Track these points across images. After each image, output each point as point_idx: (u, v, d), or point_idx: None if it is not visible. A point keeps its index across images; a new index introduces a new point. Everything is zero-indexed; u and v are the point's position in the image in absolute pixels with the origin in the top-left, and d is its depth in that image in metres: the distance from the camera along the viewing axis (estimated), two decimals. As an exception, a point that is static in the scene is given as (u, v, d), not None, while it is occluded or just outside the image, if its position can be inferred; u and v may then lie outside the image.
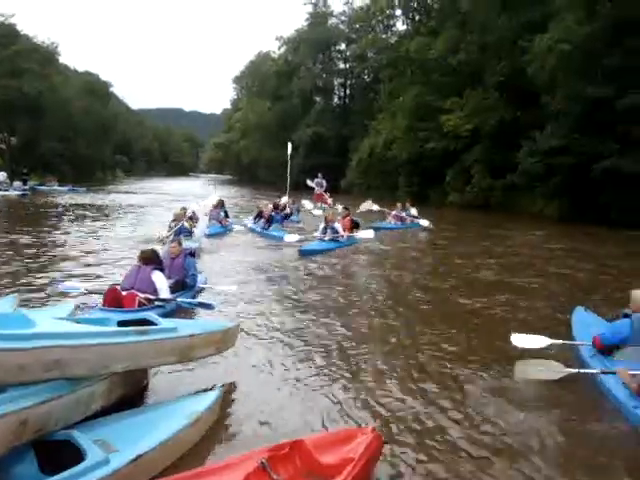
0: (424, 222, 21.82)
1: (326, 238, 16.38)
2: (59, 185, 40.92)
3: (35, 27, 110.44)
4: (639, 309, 5.97)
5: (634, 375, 5.26)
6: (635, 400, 5.07)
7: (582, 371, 5.89)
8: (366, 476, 3.76)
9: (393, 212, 22.83)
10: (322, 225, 17.02)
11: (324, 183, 31.87)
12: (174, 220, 15.96)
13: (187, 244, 11.68)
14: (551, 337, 6.65)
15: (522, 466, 4.36)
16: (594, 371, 5.82)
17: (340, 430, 4.38)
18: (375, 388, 5.79)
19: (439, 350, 7.12)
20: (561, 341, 6.70)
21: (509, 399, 5.60)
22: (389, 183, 41.89)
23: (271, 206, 19.97)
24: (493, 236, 20.74)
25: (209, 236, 16.81)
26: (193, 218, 16.29)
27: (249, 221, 19.81)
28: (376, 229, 19.02)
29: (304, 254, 14.70)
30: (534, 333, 6.73)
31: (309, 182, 31.89)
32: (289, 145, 24.55)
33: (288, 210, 21.92)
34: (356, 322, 8.37)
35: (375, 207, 23.90)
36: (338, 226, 16.97)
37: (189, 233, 15.13)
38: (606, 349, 5.98)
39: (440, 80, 37.01)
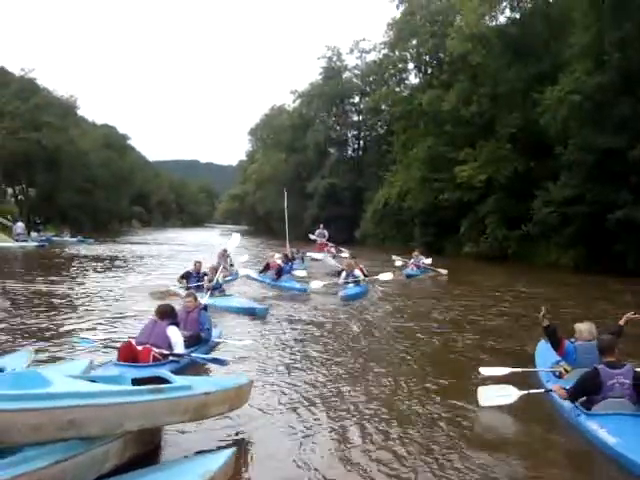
0: (443, 271, 23.31)
1: (350, 285, 17.62)
2: (71, 236, 40.97)
3: (55, 81, 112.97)
4: (581, 339, 7.35)
5: (567, 389, 6.49)
6: (576, 410, 6.31)
7: (532, 391, 6.88)
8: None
9: (411, 260, 24.32)
10: (344, 273, 18.28)
11: (326, 233, 33.48)
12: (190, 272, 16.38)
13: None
14: (515, 366, 7.90)
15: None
16: (540, 391, 6.94)
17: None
18: (391, 447, 5.71)
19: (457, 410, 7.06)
20: (521, 369, 7.90)
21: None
22: (404, 234, 41.99)
23: (279, 256, 20.37)
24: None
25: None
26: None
27: (253, 272, 19.48)
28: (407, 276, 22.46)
29: (347, 299, 16.15)
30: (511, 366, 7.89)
31: (311, 235, 33.77)
32: (285, 194, 24.85)
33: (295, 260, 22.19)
34: (371, 378, 8.29)
35: (398, 262, 25.21)
36: (358, 272, 18.26)
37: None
38: (563, 354, 7.46)
39: (453, 131, 37.32)
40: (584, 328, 7.40)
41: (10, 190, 51.84)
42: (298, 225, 45.47)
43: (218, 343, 9.84)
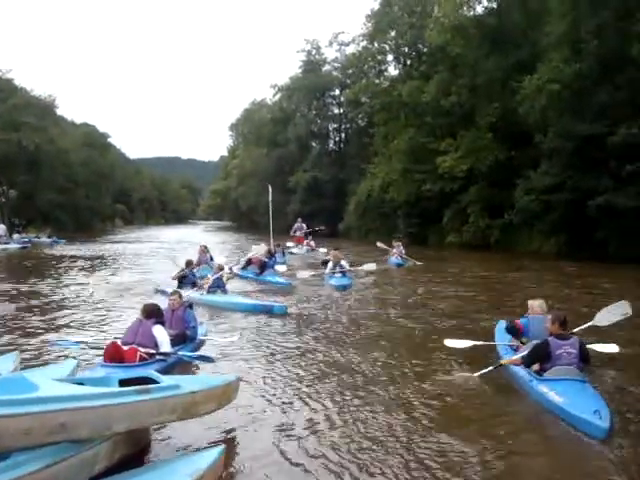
0: (418, 262, 24.19)
1: (337, 274, 18.38)
2: (47, 237, 40.43)
3: (32, 80, 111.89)
4: (534, 313, 8.39)
5: (522, 358, 7.60)
6: (529, 376, 7.25)
7: (484, 371, 7.85)
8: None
9: (394, 250, 25.14)
10: (331, 263, 18.98)
11: (304, 227, 35.12)
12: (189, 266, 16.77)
13: None
14: (477, 340, 9.07)
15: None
16: (490, 368, 7.88)
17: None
18: (384, 449, 5.68)
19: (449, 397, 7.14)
20: (481, 342, 9.00)
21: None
22: (388, 225, 42.10)
23: (260, 250, 20.40)
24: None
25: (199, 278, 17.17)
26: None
27: (235, 267, 19.92)
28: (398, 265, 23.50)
29: (338, 288, 16.92)
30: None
31: (293, 231, 35.22)
32: (269, 189, 24.96)
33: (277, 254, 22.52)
34: (360, 371, 8.31)
35: (381, 245, 27.12)
36: (345, 263, 19.27)
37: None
38: (518, 333, 8.42)
39: (433, 122, 37.42)
40: (536, 304, 8.50)
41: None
42: (281, 219, 45.39)
43: (204, 341, 9.83)
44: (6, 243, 34.59)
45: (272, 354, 9.39)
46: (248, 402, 6.79)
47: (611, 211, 24.13)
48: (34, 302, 14.38)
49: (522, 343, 8.31)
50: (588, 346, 7.70)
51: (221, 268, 15.65)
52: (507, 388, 7.48)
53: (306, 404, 6.89)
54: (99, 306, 13.87)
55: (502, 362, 7.93)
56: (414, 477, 5.02)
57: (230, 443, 5.63)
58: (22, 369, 7.05)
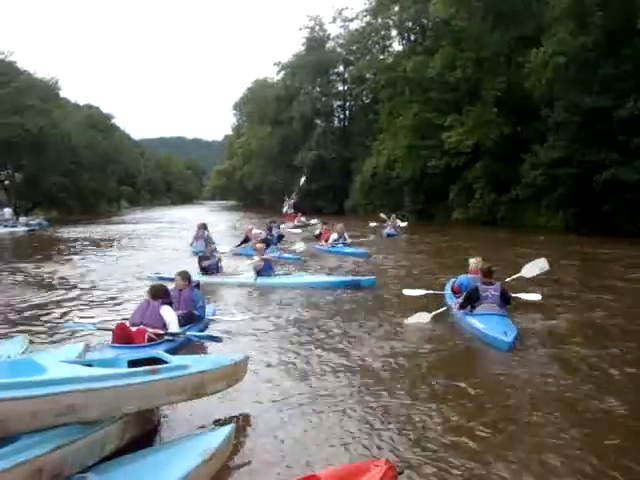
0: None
1: (339, 245, 20.69)
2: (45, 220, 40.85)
3: (35, 63, 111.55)
4: (473, 271, 10.35)
5: (454, 304, 10.02)
6: (464, 313, 9.42)
7: (438, 311, 9.88)
8: (381, 509, 3.75)
9: (389, 222, 27.78)
10: (335, 234, 21.18)
11: (292, 203, 38.32)
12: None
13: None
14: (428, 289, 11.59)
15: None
16: (443, 309, 10.09)
17: (354, 463, 4.38)
18: (389, 421, 5.75)
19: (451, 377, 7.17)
20: (432, 291, 11.50)
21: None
22: (394, 202, 41.94)
23: (257, 232, 21.14)
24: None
25: (195, 253, 18.03)
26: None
27: (231, 246, 20.27)
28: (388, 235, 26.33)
29: (364, 256, 19.20)
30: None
31: (285, 208, 38.06)
32: (303, 177, 25.33)
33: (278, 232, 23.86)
34: (371, 351, 8.30)
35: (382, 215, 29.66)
36: (346, 235, 21.27)
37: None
38: (458, 292, 10.33)
39: (439, 98, 37.13)
40: (473, 261, 10.55)
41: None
42: (289, 198, 45.33)
43: (212, 320, 9.84)
44: (13, 226, 34.63)
45: (280, 332, 9.42)
46: (257, 381, 6.80)
47: (618, 185, 24.05)
48: (42, 284, 14.39)
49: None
50: (518, 295, 10.40)
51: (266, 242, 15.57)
52: (448, 323, 9.73)
53: (315, 381, 6.90)
54: (107, 287, 13.86)
55: (446, 306, 10.19)
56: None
57: (240, 422, 5.63)
58: (30, 352, 7.06)
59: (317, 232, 24.14)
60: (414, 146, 38.15)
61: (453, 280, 11.32)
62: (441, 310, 9.94)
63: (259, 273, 13.97)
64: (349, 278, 14.04)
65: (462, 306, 9.54)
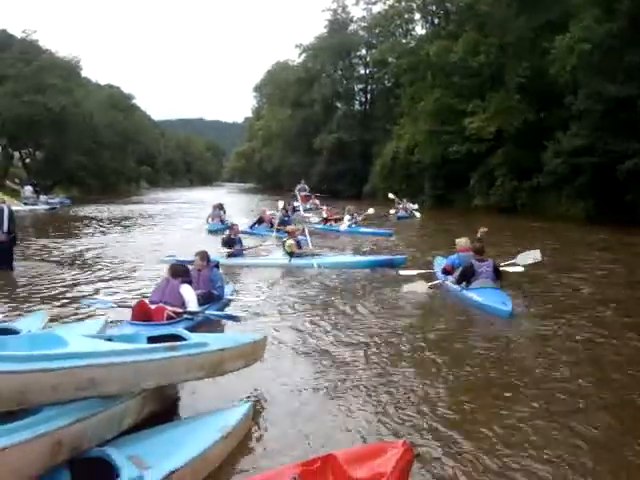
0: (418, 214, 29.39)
1: (353, 225, 21.83)
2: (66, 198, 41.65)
3: (57, 42, 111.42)
4: (461, 250, 11.25)
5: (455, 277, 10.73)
6: (459, 288, 10.34)
7: (433, 283, 11.18)
8: (398, 490, 3.74)
9: (400, 205, 29.55)
10: (348, 216, 22.32)
11: (306, 187, 39.42)
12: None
13: None
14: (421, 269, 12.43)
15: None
16: (438, 281, 11.28)
17: (371, 444, 4.38)
18: (407, 402, 5.76)
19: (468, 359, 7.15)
20: (425, 270, 12.30)
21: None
22: (414, 187, 41.71)
23: (271, 213, 22.31)
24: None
25: (212, 232, 20.49)
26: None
27: (246, 226, 20.63)
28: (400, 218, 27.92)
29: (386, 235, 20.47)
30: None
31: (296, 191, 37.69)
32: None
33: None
34: (389, 332, 8.33)
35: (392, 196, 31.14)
36: (356, 215, 22.62)
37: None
38: (450, 271, 11.09)
39: (461, 83, 36.78)
40: (462, 241, 11.48)
41: (17, 154, 51.58)
42: (306, 181, 45.28)
43: (231, 300, 9.88)
44: (33, 204, 34.86)
45: (302, 313, 9.45)
46: (276, 360, 6.83)
47: (640, 175, 23.73)
48: (62, 262, 14.49)
49: (453, 269, 11.11)
50: (503, 268, 11.04)
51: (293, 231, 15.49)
52: (445, 298, 10.67)
53: (334, 363, 6.89)
54: (126, 266, 13.94)
55: (442, 280, 11.10)
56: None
57: (258, 400, 5.66)
58: (50, 327, 7.11)
59: (324, 215, 24.86)
60: (435, 131, 37.82)
61: (440, 259, 12.78)
62: (436, 282, 11.19)
63: (292, 255, 14.05)
64: (381, 257, 14.49)
65: (459, 281, 10.39)
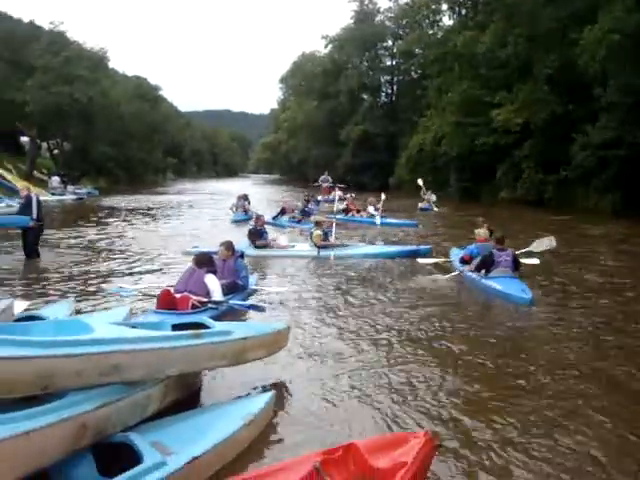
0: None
1: (378, 215, 22.04)
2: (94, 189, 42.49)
3: (84, 34, 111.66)
4: (480, 240, 11.54)
5: (468, 268, 11.04)
6: (478, 277, 10.55)
7: (452, 274, 11.39)
8: (420, 480, 3.74)
9: (425, 196, 30.10)
10: (372, 207, 23.23)
11: (329, 179, 39.13)
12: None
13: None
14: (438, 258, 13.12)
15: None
16: (456, 272, 11.45)
17: (393, 434, 4.39)
18: (430, 393, 5.75)
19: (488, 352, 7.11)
20: (442, 259, 12.91)
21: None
22: (440, 180, 41.37)
23: (294, 204, 23.22)
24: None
25: (235, 222, 21.22)
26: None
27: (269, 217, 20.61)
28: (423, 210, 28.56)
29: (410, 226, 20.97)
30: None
31: (319, 182, 39.50)
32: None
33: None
34: (410, 322, 8.35)
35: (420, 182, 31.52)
36: (379, 206, 22.75)
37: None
38: (468, 261, 11.25)
39: (489, 74, 36.40)
40: (481, 232, 11.83)
41: (45, 145, 51.99)
42: (331, 172, 45.24)
43: (255, 290, 9.92)
44: (60, 194, 35.22)
45: (323, 302, 9.48)
46: (298, 349, 6.86)
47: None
48: (88, 251, 14.65)
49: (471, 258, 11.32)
50: (521, 260, 11.15)
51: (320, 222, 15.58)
52: (464, 287, 10.90)
53: (357, 353, 6.91)
54: (152, 256, 14.05)
55: (461, 270, 11.28)
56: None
57: (281, 389, 5.68)
58: (77, 315, 7.18)
59: (344, 205, 24.63)
60: (462, 123, 37.48)
61: (456, 249, 13.06)
62: (454, 274, 11.36)
63: (320, 246, 14.14)
64: (407, 248, 14.72)
65: (478, 269, 10.64)
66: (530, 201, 31.94)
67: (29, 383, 3.54)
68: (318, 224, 15.07)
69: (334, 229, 15.35)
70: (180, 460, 3.70)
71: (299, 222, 20.21)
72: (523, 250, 11.91)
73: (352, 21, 61.83)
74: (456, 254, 12.53)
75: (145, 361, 4.23)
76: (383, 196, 23.22)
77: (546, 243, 12.36)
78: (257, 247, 14.40)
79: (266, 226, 16.14)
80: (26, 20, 57.15)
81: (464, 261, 11.46)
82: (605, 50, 25.44)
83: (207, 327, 5.36)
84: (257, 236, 14.73)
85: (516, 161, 33.93)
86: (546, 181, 31.99)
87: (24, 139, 46.87)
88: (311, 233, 14.83)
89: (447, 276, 11.26)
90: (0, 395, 3.48)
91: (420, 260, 12.79)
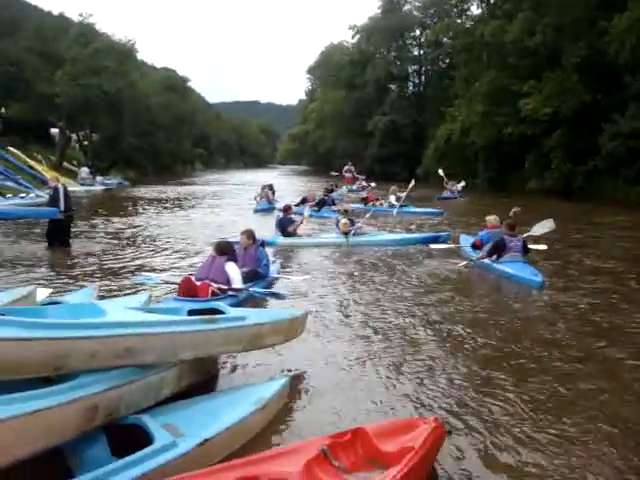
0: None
1: (398, 205, 22.11)
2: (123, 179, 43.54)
3: (112, 25, 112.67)
4: (490, 226, 12.07)
5: (481, 255, 11.37)
6: (490, 262, 11.01)
7: (463, 263, 11.51)
8: (427, 465, 3.74)
9: (448, 185, 30.66)
10: (393, 196, 23.16)
11: (352, 169, 41.23)
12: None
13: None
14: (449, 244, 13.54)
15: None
16: (465, 262, 11.51)
17: (403, 419, 4.39)
18: (441, 380, 5.76)
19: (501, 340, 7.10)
20: (453, 245, 13.37)
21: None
22: (468, 170, 41.06)
23: (317, 194, 23.70)
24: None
25: (258, 211, 21.53)
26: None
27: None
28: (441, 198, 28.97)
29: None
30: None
31: (343, 172, 41.18)
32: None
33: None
34: (425, 308, 8.39)
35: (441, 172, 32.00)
36: (400, 195, 22.98)
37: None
38: (479, 246, 11.79)
39: (517, 64, 36.01)
40: (492, 218, 12.30)
41: (74, 136, 52.54)
42: (359, 163, 45.15)
43: (276, 279, 9.96)
44: (90, 185, 35.64)
45: (343, 292, 9.50)
46: (314, 337, 6.90)
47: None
48: (114, 240, 14.83)
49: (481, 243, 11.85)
50: (529, 246, 11.63)
51: (346, 210, 16.02)
52: (477, 271, 11.36)
53: (372, 341, 6.92)
54: (176, 244, 14.20)
55: (474, 257, 11.49)
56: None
57: (295, 375, 5.70)
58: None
59: (364, 195, 25.48)
60: (489, 113, 37.18)
61: (465, 236, 13.62)
62: (466, 262, 11.51)
63: (346, 233, 14.36)
64: (427, 235, 15.07)
65: (490, 254, 11.07)
66: (558, 192, 31.58)
67: (42, 364, 3.60)
68: (345, 212, 15.25)
69: (362, 218, 15.72)
70: (191, 442, 3.74)
71: (318, 212, 20.37)
72: (525, 235, 12.22)
73: (380, 11, 61.57)
74: (466, 240, 13.12)
75: (158, 345, 4.28)
76: (413, 182, 23.19)
77: (547, 225, 12.88)
78: (287, 236, 14.49)
79: (294, 216, 16.19)
80: (55, 12, 57.91)
81: (475, 246, 11.97)
82: (635, 38, 25.08)
83: (222, 313, 5.40)
84: (286, 225, 14.83)
85: (544, 151, 33.54)
86: (575, 171, 31.60)
87: (54, 130, 47.33)
88: (338, 221, 14.93)
89: (461, 264, 11.48)
90: (14, 375, 3.54)
91: (432, 245, 13.38)
